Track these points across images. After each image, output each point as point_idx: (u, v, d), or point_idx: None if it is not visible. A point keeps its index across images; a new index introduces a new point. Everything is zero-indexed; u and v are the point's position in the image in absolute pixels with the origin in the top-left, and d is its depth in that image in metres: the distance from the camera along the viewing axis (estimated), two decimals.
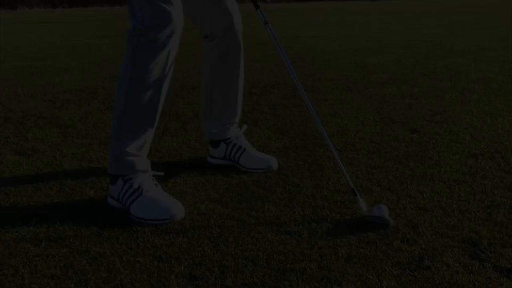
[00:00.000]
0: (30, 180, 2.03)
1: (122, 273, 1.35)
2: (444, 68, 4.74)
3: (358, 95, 3.59)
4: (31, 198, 1.86)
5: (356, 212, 1.67)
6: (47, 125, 2.90)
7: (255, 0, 1.83)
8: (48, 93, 3.88)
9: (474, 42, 6.96)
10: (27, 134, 2.71)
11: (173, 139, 2.59)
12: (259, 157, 2.11)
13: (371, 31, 9.51)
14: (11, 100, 3.64)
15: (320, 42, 7.45)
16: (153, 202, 1.68)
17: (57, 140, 2.60)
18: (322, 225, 1.59)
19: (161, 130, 2.72)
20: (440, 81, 4.05)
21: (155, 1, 1.62)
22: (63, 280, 1.33)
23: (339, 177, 1.98)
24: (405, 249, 1.43)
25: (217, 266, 1.38)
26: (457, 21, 11.88)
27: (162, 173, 1.85)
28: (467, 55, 5.61)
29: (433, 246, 1.45)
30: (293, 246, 1.47)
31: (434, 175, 2.00)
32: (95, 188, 1.94)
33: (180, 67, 5.07)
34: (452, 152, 2.27)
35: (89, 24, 14.14)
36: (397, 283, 1.28)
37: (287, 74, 4.65)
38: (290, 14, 17.73)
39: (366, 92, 3.71)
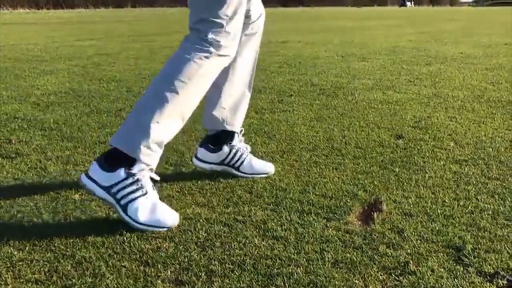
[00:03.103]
0: (14, 184, 2.01)
1: (108, 278, 1.34)
2: (428, 74, 4.80)
3: (344, 101, 3.62)
4: (15, 202, 1.83)
5: (342, 217, 1.68)
6: (31, 128, 2.87)
7: None
8: (32, 95, 3.84)
9: (458, 49, 7.06)
10: (10, 137, 2.67)
11: None
12: (259, 163, 2.10)
13: (357, 37, 9.60)
14: None
15: (307, 48, 7.49)
16: (158, 208, 1.63)
17: (42, 143, 2.57)
18: (309, 230, 1.60)
19: None
20: (425, 88, 4.11)
21: (236, 39, 1.73)
22: (48, 285, 1.31)
23: (326, 182, 1.99)
24: (390, 254, 1.45)
25: (204, 271, 1.37)
26: (441, 29, 12.06)
27: (158, 178, 1.73)
28: (451, 62, 5.69)
29: (418, 251, 1.46)
30: (280, 251, 1.48)
31: (419, 181, 2.02)
32: (80, 192, 1.92)
33: None
34: (437, 158, 2.30)
35: (74, 25, 14.03)
36: None
37: (273, 79, 4.65)
38: (277, 19, 17.80)
39: (351, 97, 3.74)
